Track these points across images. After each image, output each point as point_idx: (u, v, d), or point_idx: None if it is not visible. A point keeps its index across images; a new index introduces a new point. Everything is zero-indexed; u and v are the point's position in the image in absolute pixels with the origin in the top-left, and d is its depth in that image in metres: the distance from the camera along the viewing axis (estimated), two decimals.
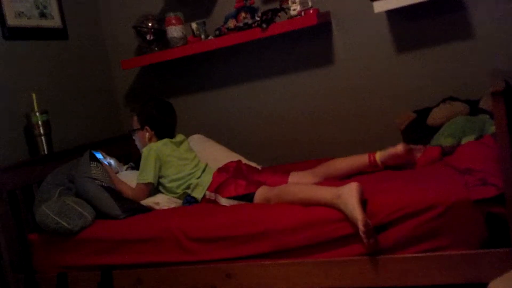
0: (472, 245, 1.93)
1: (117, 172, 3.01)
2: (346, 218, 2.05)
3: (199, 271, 2.33)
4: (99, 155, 3.00)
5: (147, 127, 2.88)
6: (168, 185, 2.76)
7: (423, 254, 1.99)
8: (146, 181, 2.75)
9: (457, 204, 1.95)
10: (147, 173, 2.74)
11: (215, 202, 2.57)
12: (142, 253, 2.42)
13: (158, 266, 2.40)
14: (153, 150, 2.76)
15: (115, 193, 2.69)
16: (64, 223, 2.52)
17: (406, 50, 2.96)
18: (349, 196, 2.04)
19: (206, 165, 2.82)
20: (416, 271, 1.99)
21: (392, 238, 2.03)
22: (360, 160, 2.53)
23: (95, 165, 2.77)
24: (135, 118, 2.93)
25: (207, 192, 2.62)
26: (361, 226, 1.96)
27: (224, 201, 2.53)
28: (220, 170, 2.73)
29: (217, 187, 2.59)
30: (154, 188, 2.80)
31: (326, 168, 2.58)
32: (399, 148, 2.44)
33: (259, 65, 3.29)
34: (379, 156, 2.48)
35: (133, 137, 2.98)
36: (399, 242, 2.02)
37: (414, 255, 2.00)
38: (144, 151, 2.78)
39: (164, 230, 2.39)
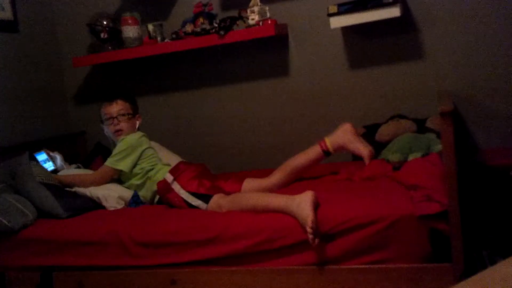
0: (415, 259, 1.99)
1: (60, 170, 2.93)
2: (296, 226, 2.07)
3: (143, 276, 2.29)
4: (43, 155, 2.91)
5: (139, 116, 2.89)
6: (135, 171, 2.72)
7: (367, 266, 2.03)
8: (118, 167, 2.70)
9: (402, 218, 2.01)
10: (125, 161, 2.70)
11: (167, 188, 2.53)
12: (85, 256, 2.37)
13: (101, 269, 2.35)
14: (142, 141, 2.77)
15: (58, 191, 2.62)
16: (5, 221, 2.43)
17: (359, 66, 3.03)
18: (303, 199, 2.07)
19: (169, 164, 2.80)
20: (361, 282, 2.03)
21: (338, 249, 2.06)
22: (312, 150, 2.56)
23: (34, 164, 2.70)
24: (127, 103, 2.86)
25: (167, 174, 2.57)
26: (309, 222, 1.98)
27: (182, 193, 2.48)
28: (185, 162, 2.74)
29: (178, 173, 2.55)
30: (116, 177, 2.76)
31: (284, 168, 2.60)
32: (345, 126, 2.51)
33: (215, 72, 3.29)
34: (328, 141, 2.53)
35: (119, 121, 2.83)
36: (345, 253, 2.05)
37: (359, 266, 2.04)
38: (130, 140, 2.74)
39: (110, 233, 2.35)
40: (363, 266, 2.03)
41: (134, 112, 2.88)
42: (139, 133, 2.83)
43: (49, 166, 2.90)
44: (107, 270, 2.34)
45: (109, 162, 2.72)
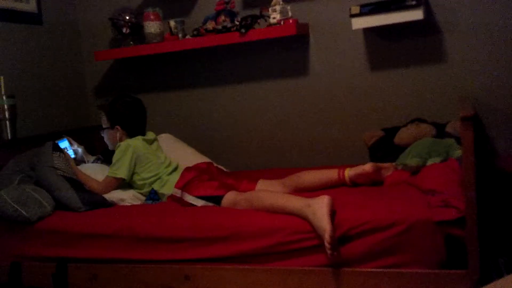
0: (430, 265, 1.97)
1: (82, 161, 2.97)
2: (311, 230, 2.06)
3: (157, 270, 2.30)
4: (65, 142, 2.94)
5: (118, 127, 2.82)
6: (139, 182, 2.73)
7: (382, 270, 2.02)
8: (118, 176, 2.71)
9: (418, 223, 1.99)
10: (121, 169, 2.70)
11: (180, 200, 2.55)
12: (100, 248, 2.38)
13: (115, 262, 2.36)
14: (131, 146, 2.72)
15: (77, 185, 2.64)
16: (23, 211, 2.46)
17: (380, 68, 3.01)
18: (319, 206, 2.05)
19: (178, 165, 2.80)
20: (374, 286, 2.02)
21: (353, 251, 2.05)
22: (329, 174, 2.55)
23: (57, 155, 2.71)
24: (104, 116, 2.86)
25: (174, 189, 2.59)
26: (327, 237, 1.97)
27: (191, 199, 2.50)
28: (189, 168, 2.72)
29: (185, 184, 2.56)
30: (123, 184, 2.76)
31: (295, 179, 2.58)
32: (368, 167, 2.46)
33: (234, 70, 3.30)
34: (348, 173, 2.51)
35: (102, 135, 2.90)
36: (359, 256, 2.04)
37: (373, 270, 2.02)
38: (122, 146, 2.73)
39: (125, 227, 2.36)
40: (377, 269, 2.02)
41: (111, 124, 2.84)
42: (134, 138, 2.79)
43: (70, 154, 2.93)
44: (121, 263, 2.35)
45: (109, 172, 2.74)
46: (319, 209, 2.04)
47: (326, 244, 1.98)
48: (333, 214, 2.06)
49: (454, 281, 1.93)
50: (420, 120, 2.81)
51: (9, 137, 2.87)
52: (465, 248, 1.92)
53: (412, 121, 2.82)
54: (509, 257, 2.24)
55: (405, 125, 2.82)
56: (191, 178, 2.58)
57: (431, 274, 1.96)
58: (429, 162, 2.46)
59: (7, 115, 2.86)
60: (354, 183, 2.49)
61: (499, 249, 2.30)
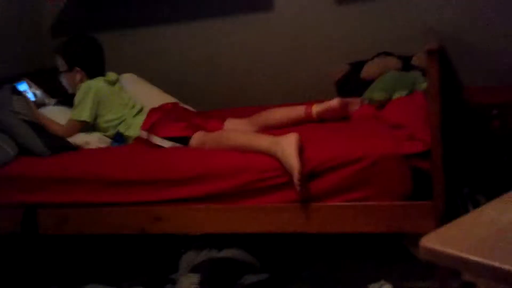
0: (397, 198, 2.01)
1: (44, 104, 2.88)
2: (280, 167, 2.08)
3: (127, 212, 2.30)
4: (24, 85, 2.84)
5: (77, 68, 2.73)
6: (103, 125, 2.68)
7: (349, 203, 2.06)
8: (81, 119, 2.65)
9: (385, 157, 2.02)
10: (84, 111, 2.64)
11: (147, 142, 2.52)
12: (69, 193, 2.35)
13: (85, 206, 2.35)
14: (93, 88, 2.65)
15: (40, 129, 2.58)
16: None
17: (346, 2, 2.96)
18: (287, 144, 2.06)
19: (142, 107, 2.75)
20: (342, 219, 2.06)
21: (321, 187, 2.07)
22: (296, 111, 2.54)
23: (17, 99, 2.63)
24: (61, 59, 2.76)
25: (140, 131, 2.55)
26: (296, 174, 1.99)
27: (158, 141, 2.46)
28: (155, 109, 2.67)
29: (151, 126, 2.52)
30: (87, 127, 2.70)
31: (263, 117, 2.58)
32: (335, 102, 2.46)
33: (197, 5, 3.20)
34: (315, 109, 2.50)
35: (60, 80, 2.81)
36: (328, 191, 2.07)
37: (342, 203, 2.06)
38: (83, 87, 2.66)
39: (93, 170, 2.33)
40: (345, 203, 2.06)
41: (69, 66, 2.75)
42: (95, 79, 2.71)
43: (30, 97, 2.84)
44: (92, 207, 2.34)
45: (72, 114, 2.68)
46: (287, 147, 2.05)
47: (295, 181, 2.00)
48: (301, 151, 2.07)
49: (420, 212, 1.98)
50: (386, 54, 2.80)
51: None
52: (431, 180, 1.96)
53: (378, 55, 2.81)
54: (473, 187, 2.31)
55: (371, 59, 2.81)
56: (157, 119, 2.54)
57: (397, 206, 2.01)
58: (395, 96, 2.47)
59: None
60: (322, 119, 2.50)
61: (464, 179, 2.37)
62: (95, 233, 2.39)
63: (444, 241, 1.04)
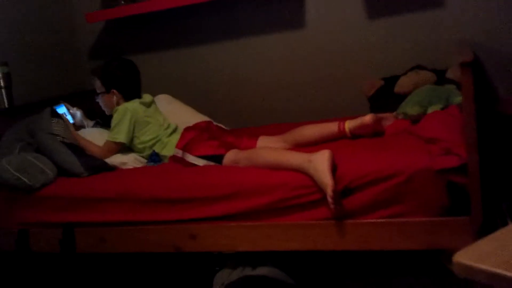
0: (433, 213, 1.98)
1: (81, 126, 2.95)
2: (313, 184, 2.06)
3: (163, 231, 2.32)
4: (62, 108, 2.92)
5: (114, 90, 2.79)
6: (139, 146, 2.73)
7: (385, 220, 2.03)
8: (118, 140, 2.70)
9: (420, 172, 1.98)
10: (121, 133, 2.69)
11: (181, 160, 2.55)
12: (105, 212, 2.39)
13: (121, 225, 2.38)
14: (129, 110, 2.70)
15: (78, 150, 2.64)
16: (25, 179, 2.46)
17: (378, 16, 2.95)
18: (320, 161, 2.05)
19: (177, 126, 2.79)
20: (378, 236, 2.03)
21: (355, 204, 2.05)
22: (329, 128, 2.53)
23: (56, 121, 2.70)
24: (98, 81, 2.83)
25: (175, 149, 2.59)
26: (329, 192, 1.97)
27: (192, 159, 2.50)
28: (189, 128, 2.71)
29: (185, 144, 2.55)
30: (124, 148, 2.75)
31: (295, 135, 2.57)
32: (368, 118, 2.44)
33: (229, 25, 3.24)
34: (348, 125, 2.49)
35: (97, 100, 2.88)
36: (362, 207, 2.05)
37: (376, 220, 2.04)
38: (120, 110, 2.71)
39: (129, 189, 2.37)
40: (380, 220, 2.03)
41: (107, 88, 2.81)
42: (132, 101, 2.77)
43: (69, 119, 2.92)
44: (128, 226, 2.37)
45: (109, 136, 2.73)
46: (320, 165, 2.04)
47: (329, 199, 1.99)
48: (334, 168, 2.06)
49: (457, 228, 1.94)
50: (420, 67, 2.77)
51: (6, 106, 2.85)
52: (468, 195, 1.91)
53: (412, 69, 2.79)
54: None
55: (404, 73, 2.79)
56: (191, 138, 2.57)
57: (434, 222, 1.97)
58: (430, 110, 2.44)
59: (2, 83, 2.84)
60: (355, 135, 2.48)
61: (502, 194, 2.31)
62: (130, 251, 2.42)
63: (478, 256, 1.01)
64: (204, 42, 3.31)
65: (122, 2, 3.22)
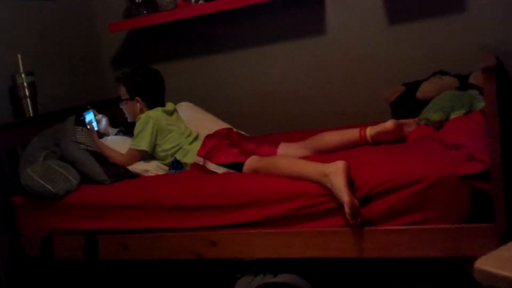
0: (456, 220, 1.95)
1: (105, 134, 2.99)
2: (332, 193, 2.05)
3: (184, 238, 2.33)
4: (90, 114, 2.96)
5: (138, 98, 2.83)
6: (161, 154, 2.75)
7: (406, 227, 2.00)
8: (140, 148, 2.73)
9: (443, 178, 1.96)
10: (143, 141, 2.72)
11: (203, 168, 2.56)
12: (128, 219, 2.42)
13: (143, 232, 2.40)
14: (152, 118, 2.73)
15: (101, 158, 2.67)
16: (49, 187, 2.50)
17: (399, 21, 2.93)
18: (335, 176, 2.02)
19: (198, 134, 2.81)
20: (399, 244, 2.01)
21: (376, 211, 2.04)
22: (350, 134, 2.51)
23: (80, 130, 2.74)
24: (123, 88, 2.87)
25: (196, 157, 2.61)
26: (347, 209, 1.97)
27: (213, 167, 2.51)
28: (210, 136, 2.72)
29: (206, 152, 2.57)
30: (146, 155, 2.78)
31: (316, 141, 2.56)
32: (389, 124, 2.41)
33: (249, 33, 3.25)
34: (369, 131, 2.47)
35: (121, 107, 2.93)
36: (383, 214, 2.03)
37: (398, 227, 2.01)
38: (142, 118, 2.74)
39: (150, 196, 2.39)
40: (402, 227, 2.00)
41: (131, 96, 2.85)
42: (154, 110, 2.80)
43: (94, 126, 2.96)
44: (150, 233, 2.39)
45: (132, 144, 2.76)
46: (335, 180, 2.02)
47: (347, 215, 1.98)
48: (350, 180, 2.04)
49: (480, 235, 1.90)
50: (442, 73, 2.74)
51: (31, 114, 2.90)
52: (492, 201, 1.88)
53: (434, 74, 2.76)
54: None
55: (427, 79, 2.76)
56: (212, 146, 2.58)
57: (457, 229, 1.94)
58: (453, 116, 2.41)
59: (27, 93, 2.89)
60: (376, 141, 2.46)
61: None
62: (152, 258, 2.43)
63: (499, 263, 1.00)
64: (225, 50, 3.33)
65: (144, 12, 3.26)
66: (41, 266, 2.64)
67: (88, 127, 2.85)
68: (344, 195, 1.98)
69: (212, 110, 3.19)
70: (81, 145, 2.66)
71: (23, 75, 2.88)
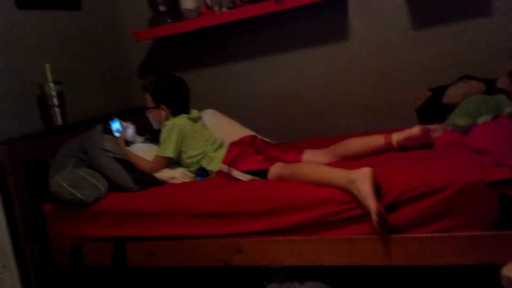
0: (485, 226, 1.93)
1: (132, 142, 3.03)
2: (358, 201, 2.05)
3: (210, 245, 2.34)
4: (117, 123, 3.00)
5: (163, 106, 2.87)
6: (186, 160, 2.78)
7: (434, 234, 1.99)
8: (166, 155, 2.76)
9: (471, 185, 1.94)
10: (169, 148, 2.75)
11: (228, 175, 2.58)
12: (155, 226, 2.44)
13: (170, 239, 2.42)
14: (177, 125, 2.76)
15: (129, 166, 2.70)
16: (78, 194, 2.54)
17: (423, 26, 2.91)
18: (362, 182, 2.01)
19: (223, 141, 2.83)
20: (427, 251, 1.99)
21: (404, 218, 2.02)
22: (376, 140, 2.50)
23: (108, 138, 2.78)
24: (149, 96, 2.91)
25: (221, 165, 2.62)
26: (374, 217, 1.95)
27: (238, 174, 2.53)
28: (234, 143, 2.74)
29: (231, 160, 2.59)
30: (172, 162, 2.81)
31: (341, 148, 2.56)
32: (415, 130, 2.40)
33: (273, 40, 3.26)
34: (395, 137, 2.45)
35: (147, 115, 2.97)
36: (411, 221, 2.01)
37: (426, 235, 2.00)
38: (168, 125, 2.78)
39: (177, 204, 2.41)
40: (430, 234, 1.99)
41: (156, 104, 2.88)
42: (179, 117, 2.83)
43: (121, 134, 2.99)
44: (177, 240, 2.41)
45: (158, 151, 2.79)
46: (362, 186, 2.01)
47: (374, 223, 1.97)
48: (377, 187, 2.03)
49: (509, 242, 1.88)
50: (469, 77, 2.72)
51: (60, 123, 2.95)
52: None
53: (460, 79, 2.73)
54: None
55: (453, 83, 2.74)
56: (237, 153, 2.59)
57: (486, 236, 1.92)
58: (480, 121, 2.39)
59: (56, 102, 2.94)
60: (402, 147, 2.44)
61: None
62: (179, 265, 2.45)
63: None
64: (248, 57, 3.35)
65: (169, 20, 3.30)
66: (71, 272, 2.68)
67: (116, 134, 2.89)
68: (371, 202, 1.97)
69: (237, 117, 3.21)
70: (109, 153, 2.70)
71: (51, 85, 2.92)
